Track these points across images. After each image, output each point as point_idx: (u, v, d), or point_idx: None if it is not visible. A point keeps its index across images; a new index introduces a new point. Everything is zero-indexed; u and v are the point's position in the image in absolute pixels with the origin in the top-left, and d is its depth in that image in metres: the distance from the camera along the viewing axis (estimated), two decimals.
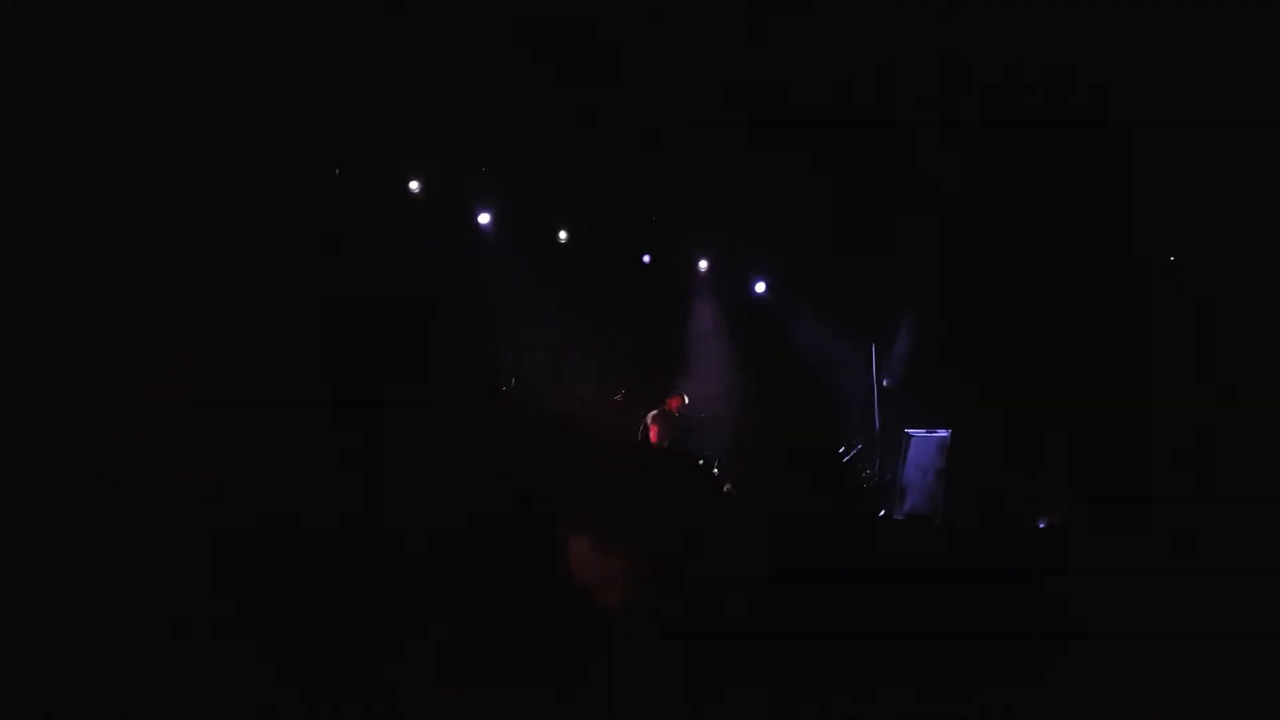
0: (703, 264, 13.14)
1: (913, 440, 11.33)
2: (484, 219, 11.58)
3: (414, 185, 10.99)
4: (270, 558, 4.98)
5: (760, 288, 12.94)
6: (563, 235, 12.27)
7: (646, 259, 12.72)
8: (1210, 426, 9.37)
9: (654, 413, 10.79)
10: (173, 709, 4.22)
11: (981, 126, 9.68)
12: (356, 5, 8.37)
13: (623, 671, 4.61)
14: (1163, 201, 9.89)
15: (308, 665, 4.54)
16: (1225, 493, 8.07)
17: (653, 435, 10.54)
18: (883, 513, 10.60)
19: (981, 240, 10.98)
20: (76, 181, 6.87)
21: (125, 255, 6.99)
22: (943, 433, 11.16)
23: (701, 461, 10.66)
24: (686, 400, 10.96)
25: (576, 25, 8.66)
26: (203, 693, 4.29)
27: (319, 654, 4.58)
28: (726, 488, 9.05)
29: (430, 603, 4.79)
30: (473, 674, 4.52)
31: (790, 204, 11.21)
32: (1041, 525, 8.93)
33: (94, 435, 5.27)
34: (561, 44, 8.77)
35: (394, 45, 8.66)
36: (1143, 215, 10.10)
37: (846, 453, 11.20)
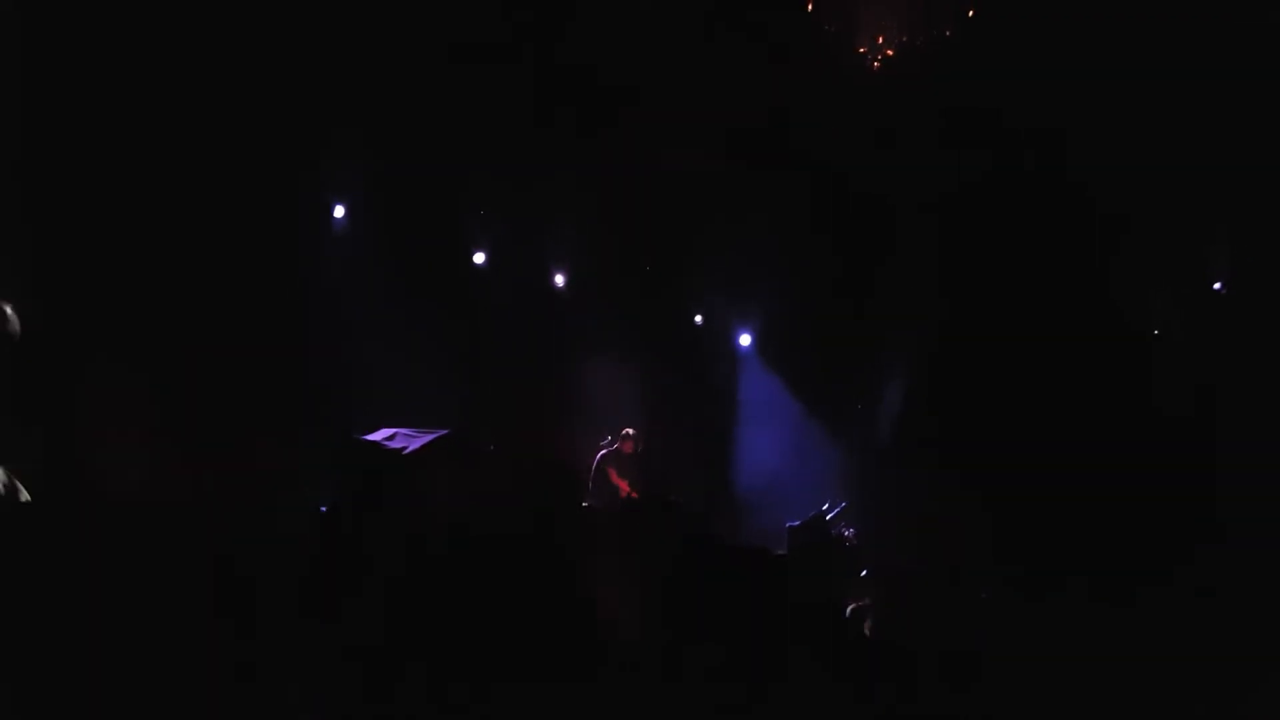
0: (698, 318, 13.21)
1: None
2: (479, 258, 11.69)
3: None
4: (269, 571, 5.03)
5: (745, 340, 12.99)
6: (560, 280, 12.37)
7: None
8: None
9: (604, 452, 10.72)
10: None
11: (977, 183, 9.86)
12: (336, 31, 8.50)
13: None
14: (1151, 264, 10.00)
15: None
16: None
17: (612, 476, 10.48)
18: (865, 571, 10.61)
19: (973, 293, 11.07)
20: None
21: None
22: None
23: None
24: (637, 439, 10.80)
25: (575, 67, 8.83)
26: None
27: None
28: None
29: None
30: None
31: (782, 256, 11.36)
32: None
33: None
34: (561, 86, 8.94)
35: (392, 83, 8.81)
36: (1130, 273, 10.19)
37: (830, 509, 11.17)
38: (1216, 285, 10.03)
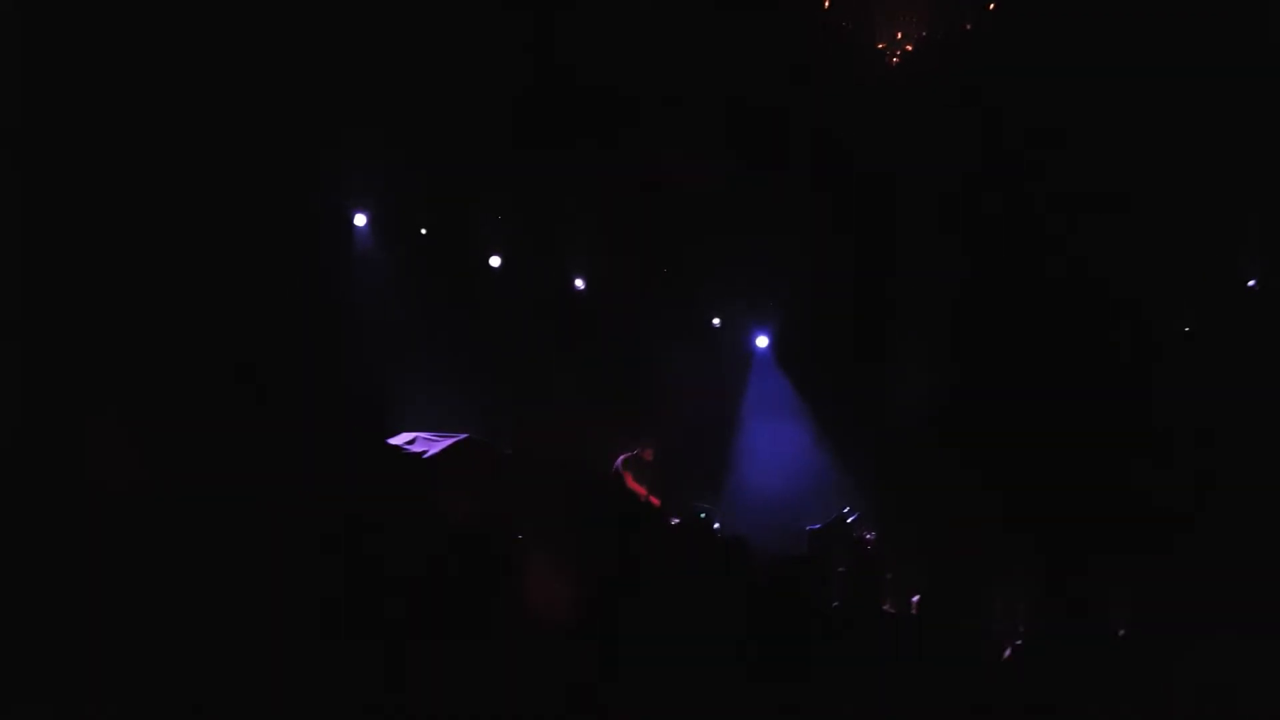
0: (715, 321, 13.18)
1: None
2: (494, 262, 11.69)
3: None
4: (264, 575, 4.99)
5: (762, 342, 12.94)
6: (580, 283, 12.37)
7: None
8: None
9: (624, 457, 10.64)
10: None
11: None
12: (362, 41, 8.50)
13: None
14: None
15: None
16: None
17: (629, 481, 10.40)
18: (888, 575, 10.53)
19: (991, 293, 11.00)
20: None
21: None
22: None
23: (703, 515, 10.59)
24: (657, 446, 10.69)
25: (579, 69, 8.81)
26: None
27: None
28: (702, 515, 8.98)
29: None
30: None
31: (799, 257, 11.31)
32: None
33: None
34: (571, 93, 8.92)
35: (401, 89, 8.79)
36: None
37: (850, 513, 11.07)
38: (1250, 283, 9.91)
